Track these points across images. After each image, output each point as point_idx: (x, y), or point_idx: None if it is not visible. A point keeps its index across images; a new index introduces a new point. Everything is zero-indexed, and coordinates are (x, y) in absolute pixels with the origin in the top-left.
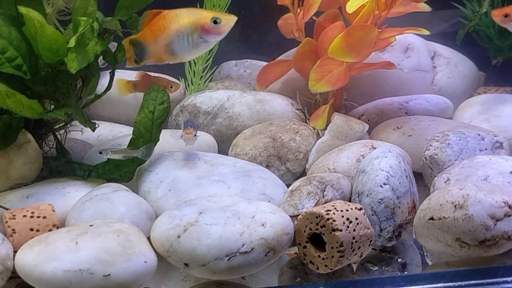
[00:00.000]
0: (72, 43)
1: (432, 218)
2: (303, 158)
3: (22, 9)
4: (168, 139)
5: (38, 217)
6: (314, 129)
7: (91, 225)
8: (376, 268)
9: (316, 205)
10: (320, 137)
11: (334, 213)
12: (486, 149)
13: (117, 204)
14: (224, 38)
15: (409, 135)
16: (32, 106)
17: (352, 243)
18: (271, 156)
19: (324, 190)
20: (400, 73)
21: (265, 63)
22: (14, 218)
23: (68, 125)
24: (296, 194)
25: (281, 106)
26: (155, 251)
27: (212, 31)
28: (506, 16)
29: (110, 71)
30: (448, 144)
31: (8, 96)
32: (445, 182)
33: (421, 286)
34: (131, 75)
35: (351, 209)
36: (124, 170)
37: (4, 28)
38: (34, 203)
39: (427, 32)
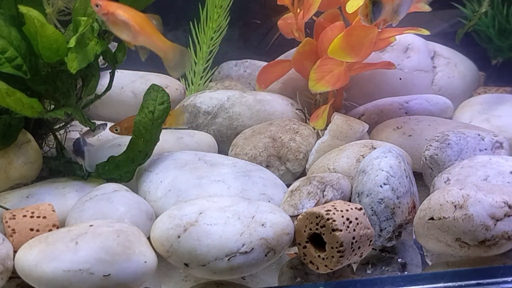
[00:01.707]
0: (72, 43)
1: (432, 218)
2: (303, 158)
3: (23, 9)
4: (168, 139)
5: (38, 217)
6: (314, 129)
7: (91, 225)
8: (371, 271)
9: (316, 205)
10: (320, 137)
11: (334, 213)
12: (486, 149)
13: (117, 204)
14: (224, 38)
15: (409, 135)
16: (32, 105)
17: (352, 243)
18: (271, 156)
19: (324, 190)
20: (400, 73)
21: (265, 63)
22: (14, 218)
23: (68, 125)
24: (296, 194)
25: (281, 106)
26: (155, 251)
27: None
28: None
29: (110, 71)
30: (448, 144)
31: (8, 95)
32: (445, 182)
33: (421, 286)
34: (131, 75)
35: (351, 209)
36: (124, 170)
37: (4, 28)
38: (34, 203)
39: (427, 32)
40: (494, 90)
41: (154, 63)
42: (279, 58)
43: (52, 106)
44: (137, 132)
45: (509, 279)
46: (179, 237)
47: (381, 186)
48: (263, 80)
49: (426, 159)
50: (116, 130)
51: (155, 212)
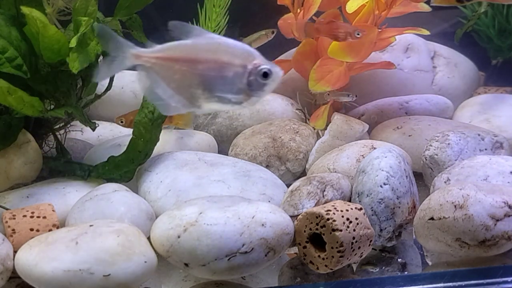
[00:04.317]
0: (73, 43)
1: (432, 218)
2: (303, 158)
3: (25, 9)
4: (168, 139)
5: (38, 217)
6: (314, 129)
7: (91, 225)
8: (377, 269)
9: (316, 205)
10: (320, 137)
11: (334, 213)
12: (486, 149)
13: (117, 204)
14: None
15: (409, 135)
16: (33, 104)
17: (352, 243)
18: (271, 156)
19: (324, 190)
20: (400, 73)
21: None
22: (14, 218)
23: (68, 125)
24: (296, 194)
25: (281, 106)
26: (155, 251)
27: None
28: None
29: None
30: (448, 144)
31: (10, 93)
32: (445, 182)
33: (421, 286)
34: (131, 75)
35: (351, 209)
36: (124, 170)
37: (4, 28)
38: (34, 203)
39: (427, 32)
40: (494, 90)
41: None
42: (279, 58)
43: (52, 106)
44: (137, 132)
45: (509, 279)
46: (179, 237)
47: (381, 186)
48: None
49: (426, 159)
50: (121, 122)
51: (155, 212)
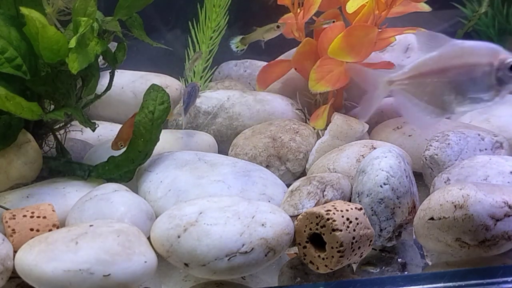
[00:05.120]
0: (73, 43)
1: (432, 218)
2: (303, 158)
3: (24, 10)
4: (168, 139)
5: (38, 217)
6: (314, 129)
7: (91, 225)
8: (377, 269)
9: (316, 205)
10: (320, 137)
11: (334, 213)
12: (486, 149)
13: (117, 204)
14: (224, 38)
15: (409, 135)
16: (32, 108)
17: (352, 243)
18: (271, 156)
19: (324, 190)
20: None
21: (265, 63)
22: (14, 218)
23: (68, 125)
24: (296, 194)
25: (281, 106)
26: (155, 251)
27: None
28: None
29: (110, 71)
30: (448, 144)
31: (8, 99)
32: (445, 182)
33: (421, 286)
34: (131, 75)
35: (351, 209)
36: (124, 170)
37: (3, 28)
38: (34, 203)
39: None
40: None
41: (154, 63)
42: (279, 58)
43: (52, 107)
44: (137, 132)
45: (509, 279)
46: (179, 237)
47: (381, 186)
48: (263, 80)
49: (426, 159)
50: (121, 145)
51: (155, 212)
